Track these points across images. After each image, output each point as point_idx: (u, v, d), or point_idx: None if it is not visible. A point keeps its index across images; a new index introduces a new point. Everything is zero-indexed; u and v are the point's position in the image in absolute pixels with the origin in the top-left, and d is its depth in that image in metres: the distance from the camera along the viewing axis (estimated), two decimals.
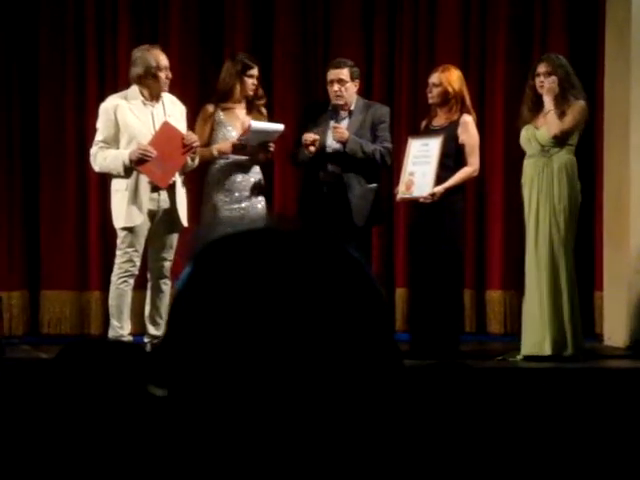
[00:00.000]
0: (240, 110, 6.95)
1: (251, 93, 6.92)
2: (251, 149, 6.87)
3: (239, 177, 6.88)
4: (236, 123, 6.92)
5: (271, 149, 6.93)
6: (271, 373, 0.97)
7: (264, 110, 7.04)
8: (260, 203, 6.94)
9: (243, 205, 6.87)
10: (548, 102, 6.67)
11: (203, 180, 7.02)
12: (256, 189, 6.93)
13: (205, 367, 0.98)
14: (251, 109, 6.95)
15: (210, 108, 6.93)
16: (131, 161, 6.46)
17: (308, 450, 1.00)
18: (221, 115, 6.93)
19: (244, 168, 6.90)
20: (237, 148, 6.84)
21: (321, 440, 1.00)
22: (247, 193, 6.89)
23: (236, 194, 6.86)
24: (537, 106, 6.77)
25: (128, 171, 6.50)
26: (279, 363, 0.97)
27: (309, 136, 6.91)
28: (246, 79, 6.87)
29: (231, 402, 0.98)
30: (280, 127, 6.91)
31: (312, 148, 6.89)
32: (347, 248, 1.04)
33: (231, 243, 1.01)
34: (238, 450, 0.99)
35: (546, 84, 6.67)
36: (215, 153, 6.85)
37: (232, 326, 0.98)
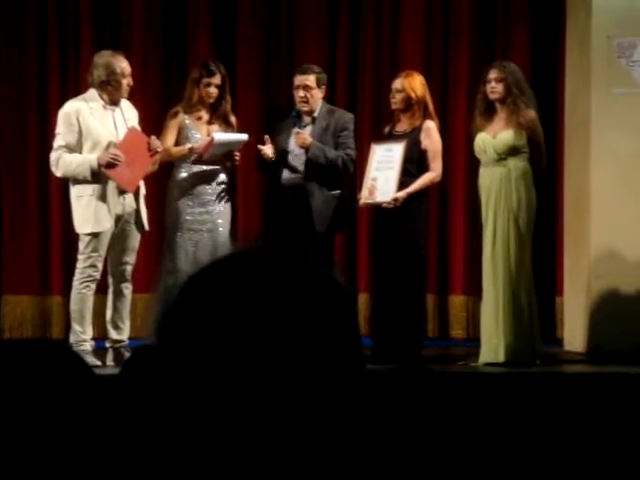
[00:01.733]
0: (204, 118, 6.96)
1: (210, 101, 6.91)
2: (215, 158, 6.87)
3: (205, 185, 6.90)
4: (202, 129, 6.93)
5: (236, 158, 6.94)
6: (249, 375, 1.07)
7: (232, 119, 7.02)
8: (225, 209, 6.94)
9: (208, 209, 6.88)
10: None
11: (165, 185, 7.02)
12: (221, 195, 6.94)
13: (194, 371, 1.09)
14: (215, 117, 6.95)
15: (179, 111, 6.94)
16: (99, 165, 6.46)
17: (280, 445, 1.07)
18: (186, 120, 6.93)
19: (209, 177, 6.91)
20: (202, 156, 6.84)
21: (291, 439, 1.07)
22: (212, 198, 6.91)
23: (200, 198, 6.87)
24: (489, 112, 6.83)
25: (95, 176, 6.50)
26: (255, 367, 1.07)
27: (265, 150, 6.92)
28: (203, 86, 6.87)
29: (215, 400, 1.07)
30: (244, 137, 6.91)
31: (270, 156, 6.92)
32: (312, 260, 1.13)
33: (213, 269, 1.13)
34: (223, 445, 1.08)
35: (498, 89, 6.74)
36: (187, 151, 6.83)
37: (218, 336, 1.08)
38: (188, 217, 6.84)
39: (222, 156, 6.88)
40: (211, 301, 1.09)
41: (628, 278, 7.25)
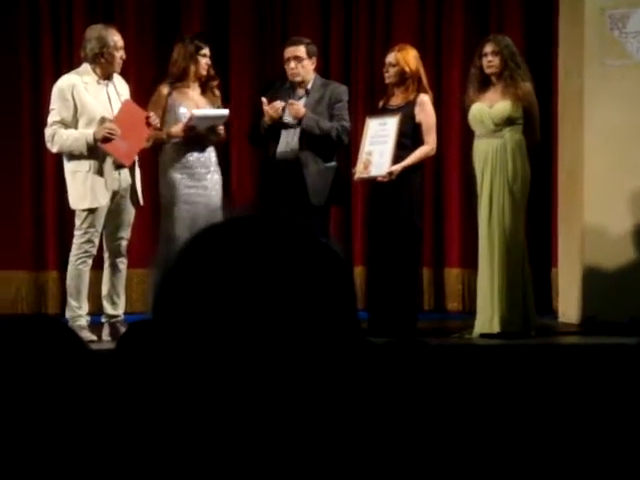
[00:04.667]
0: (193, 91, 6.94)
1: (204, 73, 6.91)
2: (201, 132, 6.84)
3: (194, 154, 6.88)
4: (190, 104, 6.90)
5: (221, 132, 6.91)
6: (248, 347, 1.05)
7: (217, 92, 7.02)
8: (217, 181, 6.94)
9: (202, 183, 6.87)
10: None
11: (157, 160, 7.00)
12: (212, 165, 6.92)
13: (190, 343, 1.07)
14: (205, 90, 6.95)
15: (164, 90, 6.91)
16: (95, 140, 6.45)
17: (278, 418, 1.07)
18: (175, 97, 6.91)
19: (198, 145, 6.88)
20: (187, 133, 6.81)
21: (289, 410, 1.06)
22: (204, 170, 6.89)
23: (193, 171, 6.86)
24: (483, 86, 6.83)
25: (91, 151, 6.49)
26: (255, 337, 1.05)
27: (269, 110, 6.89)
28: (200, 59, 6.87)
29: (215, 373, 1.06)
30: (224, 112, 6.91)
31: (275, 115, 6.86)
32: (309, 228, 1.11)
33: (208, 235, 1.11)
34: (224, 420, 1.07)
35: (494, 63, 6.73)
36: (165, 137, 6.82)
37: (214, 304, 1.06)
38: (184, 190, 6.83)
39: (206, 131, 6.85)
40: (207, 269, 1.07)
41: (621, 249, 7.27)
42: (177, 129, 6.80)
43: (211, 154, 6.92)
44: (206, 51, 6.90)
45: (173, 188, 6.84)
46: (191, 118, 6.76)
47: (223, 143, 7.12)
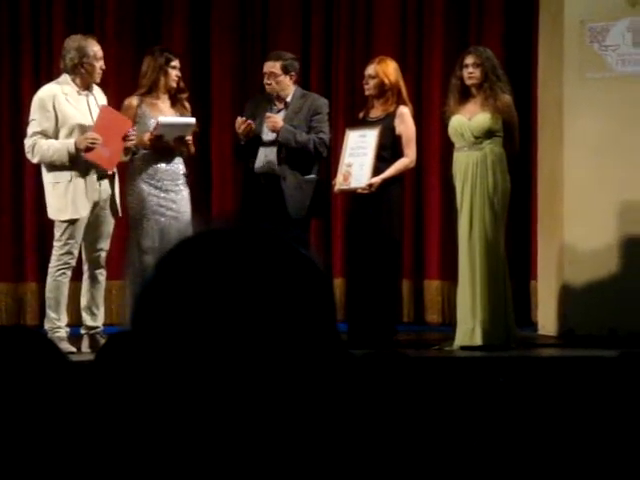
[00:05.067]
0: (163, 104, 6.92)
1: (174, 85, 6.89)
2: (169, 142, 6.82)
3: (162, 166, 6.86)
4: (158, 116, 6.87)
5: (189, 143, 6.90)
6: (227, 359, 1.05)
7: (187, 104, 7.00)
8: (186, 193, 6.89)
9: (170, 196, 6.84)
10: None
11: (126, 171, 6.97)
12: (180, 178, 6.90)
13: (169, 355, 1.07)
14: (175, 102, 6.93)
15: (134, 101, 6.89)
16: (78, 150, 6.43)
17: (257, 431, 1.06)
18: (144, 109, 6.88)
19: (166, 157, 6.86)
20: (155, 142, 6.79)
21: (268, 423, 1.06)
22: (172, 182, 6.86)
23: (161, 183, 6.83)
24: (464, 97, 6.86)
25: (73, 161, 6.47)
26: (234, 350, 1.05)
27: (239, 122, 6.91)
28: (170, 71, 6.85)
29: (193, 385, 1.06)
30: (191, 120, 6.89)
31: (244, 129, 6.88)
32: (288, 240, 1.10)
33: (187, 247, 1.11)
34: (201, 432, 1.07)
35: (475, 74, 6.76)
36: (132, 147, 6.78)
37: (194, 316, 1.06)
38: (153, 201, 6.80)
39: (174, 142, 6.84)
40: (186, 281, 1.07)
41: (600, 261, 7.29)
42: (144, 138, 6.78)
43: (179, 166, 6.90)
44: (176, 63, 6.88)
45: (141, 199, 6.82)
46: (157, 126, 6.74)
47: (192, 156, 7.07)
